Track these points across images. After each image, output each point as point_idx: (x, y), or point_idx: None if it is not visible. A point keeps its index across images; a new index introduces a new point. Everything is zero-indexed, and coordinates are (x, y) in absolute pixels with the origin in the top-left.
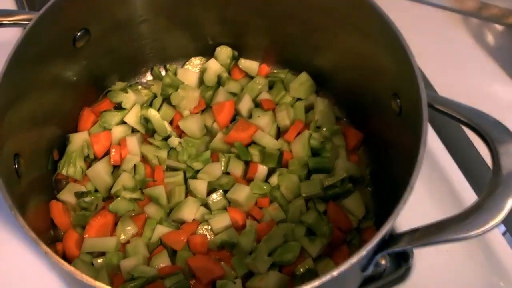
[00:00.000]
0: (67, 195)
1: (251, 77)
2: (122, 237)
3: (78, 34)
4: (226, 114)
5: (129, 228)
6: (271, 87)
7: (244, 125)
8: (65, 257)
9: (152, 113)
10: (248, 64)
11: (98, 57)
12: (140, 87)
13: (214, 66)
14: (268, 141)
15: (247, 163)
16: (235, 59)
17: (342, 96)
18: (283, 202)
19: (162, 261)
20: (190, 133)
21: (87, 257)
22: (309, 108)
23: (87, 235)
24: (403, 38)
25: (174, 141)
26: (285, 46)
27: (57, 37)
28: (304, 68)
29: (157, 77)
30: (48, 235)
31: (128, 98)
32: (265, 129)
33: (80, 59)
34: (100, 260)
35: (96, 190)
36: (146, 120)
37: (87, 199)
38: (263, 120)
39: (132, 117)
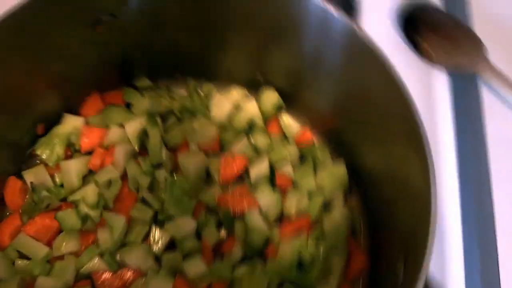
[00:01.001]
0: (31, 176)
1: (286, 138)
2: (58, 249)
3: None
4: (233, 170)
5: (70, 243)
6: (302, 156)
7: (244, 193)
8: None
9: (154, 132)
10: (289, 123)
11: (126, 47)
12: (164, 94)
13: (251, 109)
14: (259, 225)
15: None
16: (279, 109)
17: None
18: None
19: None
20: (185, 172)
21: (13, 253)
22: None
23: (24, 230)
24: None
25: (161, 174)
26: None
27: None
28: (344, 157)
29: (190, 91)
30: None
31: (140, 103)
32: (264, 209)
33: (98, 44)
34: (21, 263)
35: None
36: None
37: (42, 193)
38: (267, 199)
39: (132, 126)
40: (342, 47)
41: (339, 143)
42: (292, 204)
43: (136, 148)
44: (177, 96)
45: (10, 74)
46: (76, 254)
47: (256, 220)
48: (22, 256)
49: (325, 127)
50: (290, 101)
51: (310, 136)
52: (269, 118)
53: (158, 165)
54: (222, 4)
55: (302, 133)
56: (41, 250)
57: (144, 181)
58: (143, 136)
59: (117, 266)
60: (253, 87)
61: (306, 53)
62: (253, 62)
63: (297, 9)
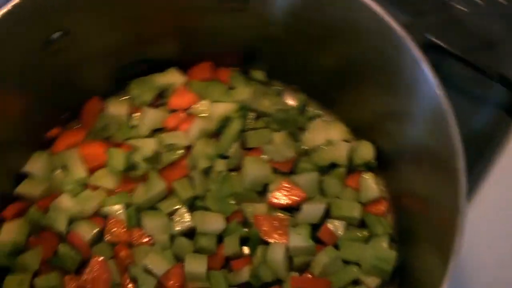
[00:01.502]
0: (114, 104)
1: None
2: (95, 179)
3: None
4: (287, 198)
5: (108, 180)
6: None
7: (283, 225)
8: None
9: (236, 124)
10: (370, 186)
11: (261, 36)
12: (270, 95)
13: (341, 152)
14: (277, 262)
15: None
16: (367, 166)
17: None
18: None
19: None
20: (244, 175)
21: (59, 162)
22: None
23: (79, 147)
24: None
25: (220, 165)
26: None
27: None
28: None
29: (298, 104)
30: None
31: (242, 91)
32: (290, 251)
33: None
34: (59, 174)
35: None
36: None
37: (112, 125)
38: (298, 243)
39: (222, 108)
40: None
41: None
42: (320, 263)
43: (214, 129)
44: (280, 103)
45: None
46: (108, 193)
47: (277, 256)
48: (64, 168)
49: None
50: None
51: (383, 209)
52: (353, 169)
53: (224, 156)
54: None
55: (377, 202)
56: (81, 171)
57: (202, 163)
58: (227, 122)
59: (134, 223)
60: (357, 131)
61: None
62: (370, 113)
63: None
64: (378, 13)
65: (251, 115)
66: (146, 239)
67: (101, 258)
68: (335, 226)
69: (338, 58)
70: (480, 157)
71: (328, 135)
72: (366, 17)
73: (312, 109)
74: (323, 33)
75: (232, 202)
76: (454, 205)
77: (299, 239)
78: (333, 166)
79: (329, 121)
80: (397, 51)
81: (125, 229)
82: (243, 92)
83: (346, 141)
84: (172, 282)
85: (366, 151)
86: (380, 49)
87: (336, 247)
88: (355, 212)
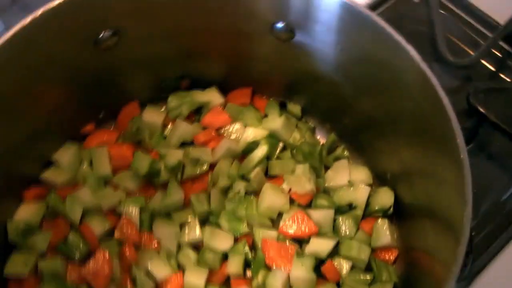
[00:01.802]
0: (150, 111)
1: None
2: (118, 179)
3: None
4: (299, 230)
5: (130, 183)
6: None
7: (289, 254)
8: None
9: (262, 150)
10: (383, 234)
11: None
12: (301, 128)
13: (361, 196)
14: None
15: None
16: (384, 213)
17: None
18: None
19: None
20: (261, 201)
21: (87, 157)
22: None
23: (109, 146)
24: None
25: (239, 187)
26: None
27: None
28: None
29: (327, 142)
30: None
31: (274, 121)
32: (291, 283)
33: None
34: (85, 169)
35: None
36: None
37: (145, 130)
38: (301, 276)
39: (252, 134)
40: None
41: None
42: None
43: (240, 151)
44: (309, 138)
45: None
46: (127, 194)
47: (276, 282)
48: (90, 163)
49: None
50: None
51: (392, 257)
52: (369, 214)
53: (245, 178)
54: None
55: (387, 249)
56: (106, 169)
57: (223, 181)
58: (254, 146)
59: (146, 227)
60: (380, 178)
61: None
62: (396, 164)
63: None
64: (426, 72)
65: (279, 144)
66: (154, 244)
67: (107, 253)
68: (340, 265)
69: (376, 106)
70: (504, 229)
71: (350, 177)
72: (413, 74)
73: (340, 150)
74: (367, 80)
75: (244, 224)
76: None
77: (302, 270)
78: (350, 207)
79: (354, 164)
80: (435, 110)
81: (136, 231)
82: (276, 121)
83: (367, 185)
84: None
85: (385, 198)
86: (419, 105)
87: (338, 285)
88: (364, 254)
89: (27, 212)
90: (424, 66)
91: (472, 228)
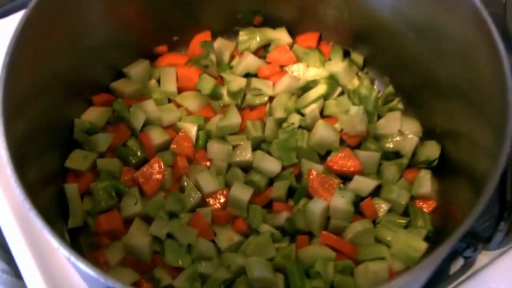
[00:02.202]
0: (220, 42)
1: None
2: (182, 97)
3: None
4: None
5: (192, 102)
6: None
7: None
8: None
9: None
10: (426, 183)
11: None
12: None
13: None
14: None
15: None
16: (429, 164)
17: None
18: None
19: None
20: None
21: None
22: None
23: (181, 65)
24: None
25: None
26: None
27: None
28: None
29: None
30: None
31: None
32: None
33: None
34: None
35: None
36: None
37: (210, 55)
38: None
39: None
40: None
41: None
42: (354, 230)
43: (300, 88)
44: (367, 85)
45: None
46: (188, 112)
47: (316, 209)
48: (159, 80)
49: None
50: None
51: (430, 208)
52: (413, 165)
53: (300, 113)
54: None
55: (426, 199)
56: (172, 87)
57: (279, 113)
58: (314, 85)
59: (201, 146)
60: (430, 133)
61: None
62: (448, 121)
63: None
64: (497, 43)
65: (337, 88)
66: (206, 161)
67: (162, 162)
68: (379, 205)
69: (438, 67)
70: None
71: (401, 127)
72: (481, 39)
73: (395, 102)
74: (433, 39)
75: (294, 154)
76: None
77: (341, 201)
78: (397, 155)
79: (406, 117)
80: (496, 80)
81: (191, 146)
82: (338, 65)
83: (417, 137)
84: (214, 201)
85: (432, 150)
86: (481, 72)
87: (374, 223)
88: (403, 199)
89: (93, 114)
90: (493, 29)
91: None
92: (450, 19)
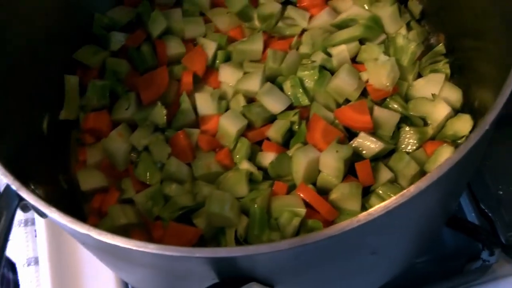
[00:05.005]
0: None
1: None
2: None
3: None
4: None
5: None
6: None
7: None
8: None
9: None
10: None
11: None
12: None
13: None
14: None
15: None
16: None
17: None
18: None
19: None
20: None
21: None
22: None
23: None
24: None
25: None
26: None
27: None
28: None
29: None
30: None
31: None
32: None
33: None
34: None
35: None
36: None
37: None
38: None
39: None
40: None
41: None
42: (338, 192)
43: (336, 24)
44: (415, 37)
45: None
46: (215, 30)
47: (300, 160)
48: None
49: None
50: None
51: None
52: (439, 137)
53: (327, 53)
54: None
55: None
56: (204, 3)
57: (305, 48)
58: (350, 24)
59: (213, 64)
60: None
61: None
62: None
63: None
64: None
65: (379, 34)
66: (213, 83)
67: (167, 72)
68: (380, 171)
69: (505, 37)
70: None
71: (440, 93)
72: None
73: (442, 64)
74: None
75: (307, 97)
76: None
77: (333, 156)
78: (424, 123)
79: (450, 83)
80: None
81: (203, 63)
82: (385, 9)
83: (453, 107)
84: (206, 126)
85: (464, 125)
86: None
87: (366, 190)
88: (410, 171)
89: (118, 12)
90: None
91: None
92: None
